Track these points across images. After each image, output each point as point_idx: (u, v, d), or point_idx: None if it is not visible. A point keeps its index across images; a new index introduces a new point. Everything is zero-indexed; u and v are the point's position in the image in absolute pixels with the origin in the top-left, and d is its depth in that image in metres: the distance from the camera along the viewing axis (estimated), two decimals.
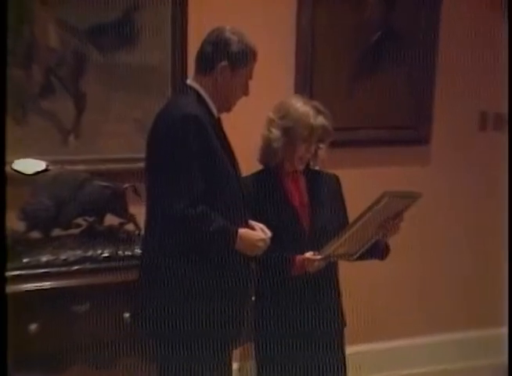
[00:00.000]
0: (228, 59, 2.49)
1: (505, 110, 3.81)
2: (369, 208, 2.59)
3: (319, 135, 2.76)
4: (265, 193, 2.77)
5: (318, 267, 2.69)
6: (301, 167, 2.82)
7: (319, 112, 2.76)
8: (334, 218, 2.82)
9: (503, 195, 3.43)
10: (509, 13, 3.64)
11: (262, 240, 2.54)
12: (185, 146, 2.38)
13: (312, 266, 2.69)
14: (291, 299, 2.75)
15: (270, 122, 2.78)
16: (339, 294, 2.89)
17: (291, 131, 2.73)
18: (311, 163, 2.87)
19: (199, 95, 2.51)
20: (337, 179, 2.93)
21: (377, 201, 2.58)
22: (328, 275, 2.80)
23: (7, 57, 2.72)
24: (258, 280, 2.76)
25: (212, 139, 2.44)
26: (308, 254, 2.69)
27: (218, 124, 2.55)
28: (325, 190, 2.86)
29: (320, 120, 2.74)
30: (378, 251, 2.84)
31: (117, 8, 3.22)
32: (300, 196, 2.82)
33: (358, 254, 2.75)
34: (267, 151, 2.80)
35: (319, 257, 2.68)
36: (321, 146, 2.82)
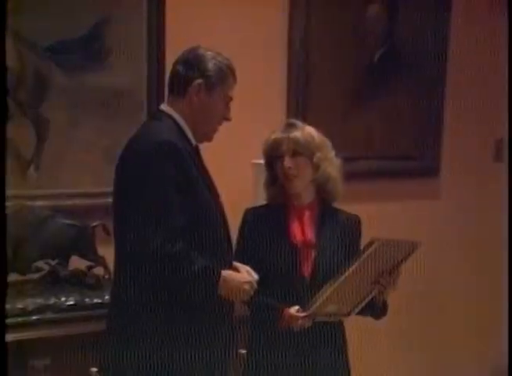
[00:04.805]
0: (202, 76, 2.53)
1: None
2: (357, 257, 2.60)
3: (291, 149, 2.72)
4: (262, 227, 2.78)
5: (303, 326, 2.67)
6: (292, 188, 2.75)
7: (290, 126, 2.79)
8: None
9: None
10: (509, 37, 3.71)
11: (248, 282, 2.54)
12: (161, 174, 2.38)
13: (296, 324, 2.67)
14: (286, 354, 2.74)
15: None
16: (345, 349, 2.85)
17: (266, 160, 2.82)
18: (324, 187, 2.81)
19: (174, 121, 2.55)
20: (357, 222, 2.86)
21: (365, 249, 2.59)
22: (331, 326, 2.77)
23: None
24: (250, 331, 2.79)
25: (191, 169, 2.46)
26: (293, 310, 2.68)
27: (196, 154, 2.58)
28: (338, 232, 2.80)
29: (285, 133, 2.74)
30: (373, 309, 2.79)
31: (84, 22, 3.23)
32: (304, 233, 2.78)
33: (352, 315, 2.74)
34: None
35: (303, 314, 2.66)
36: (315, 158, 2.75)
